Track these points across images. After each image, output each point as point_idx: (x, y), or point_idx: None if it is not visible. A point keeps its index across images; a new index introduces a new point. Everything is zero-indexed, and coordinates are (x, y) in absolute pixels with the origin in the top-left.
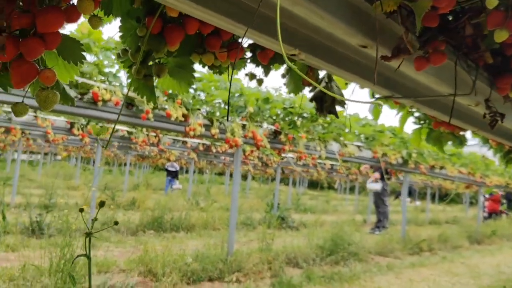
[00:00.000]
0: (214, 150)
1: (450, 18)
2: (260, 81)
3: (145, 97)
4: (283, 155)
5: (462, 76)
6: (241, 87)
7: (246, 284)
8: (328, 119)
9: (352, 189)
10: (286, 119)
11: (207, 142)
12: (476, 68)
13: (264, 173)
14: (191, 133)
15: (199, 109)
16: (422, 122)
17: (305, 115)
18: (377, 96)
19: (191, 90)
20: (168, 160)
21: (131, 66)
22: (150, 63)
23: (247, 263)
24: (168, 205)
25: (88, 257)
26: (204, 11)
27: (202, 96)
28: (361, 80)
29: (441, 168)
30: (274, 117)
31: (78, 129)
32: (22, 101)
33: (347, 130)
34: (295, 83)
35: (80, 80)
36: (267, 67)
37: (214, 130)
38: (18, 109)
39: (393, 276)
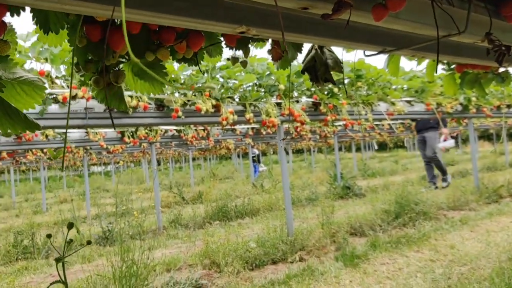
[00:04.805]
0: (264, 132)
1: None
2: (243, 63)
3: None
4: (335, 124)
5: (455, 14)
6: (268, 66)
7: (310, 261)
8: (372, 79)
9: None
10: (324, 88)
11: (256, 126)
12: (468, 2)
13: (327, 144)
14: (224, 122)
15: (230, 97)
16: (453, 66)
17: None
18: (368, 52)
19: (221, 80)
20: (228, 149)
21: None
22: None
23: (309, 241)
24: (233, 193)
25: (65, 283)
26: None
27: (231, 83)
28: (336, 42)
29: (509, 106)
30: (312, 89)
31: (128, 137)
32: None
33: (393, 87)
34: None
35: None
36: (245, 49)
37: (249, 115)
38: None
39: (467, 230)
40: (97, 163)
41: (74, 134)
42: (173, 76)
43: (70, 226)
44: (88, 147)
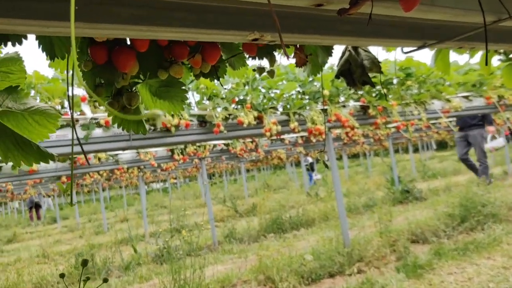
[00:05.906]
0: (314, 140)
1: None
2: (271, 73)
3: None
4: (388, 126)
5: None
6: None
7: (369, 273)
8: (423, 76)
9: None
10: (372, 90)
11: (304, 134)
12: None
13: (382, 147)
14: (267, 134)
15: (273, 107)
16: (511, 56)
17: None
18: (406, 49)
19: (262, 90)
20: (280, 159)
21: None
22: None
23: (367, 251)
24: (287, 204)
25: None
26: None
27: (272, 93)
28: (365, 41)
29: None
30: (360, 92)
31: (178, 155)
32: None
33: (448, 83)
34: (312, 64)
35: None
36: (269, 57)
37: (293, 124)
38: None
39: None
40: (155, 180)
41: (126, 155)
42: (214, 91)
43: (85, 263)
44: (142, 167)
